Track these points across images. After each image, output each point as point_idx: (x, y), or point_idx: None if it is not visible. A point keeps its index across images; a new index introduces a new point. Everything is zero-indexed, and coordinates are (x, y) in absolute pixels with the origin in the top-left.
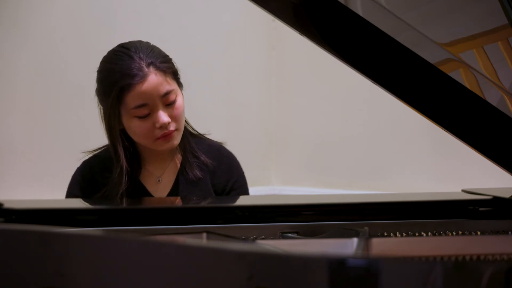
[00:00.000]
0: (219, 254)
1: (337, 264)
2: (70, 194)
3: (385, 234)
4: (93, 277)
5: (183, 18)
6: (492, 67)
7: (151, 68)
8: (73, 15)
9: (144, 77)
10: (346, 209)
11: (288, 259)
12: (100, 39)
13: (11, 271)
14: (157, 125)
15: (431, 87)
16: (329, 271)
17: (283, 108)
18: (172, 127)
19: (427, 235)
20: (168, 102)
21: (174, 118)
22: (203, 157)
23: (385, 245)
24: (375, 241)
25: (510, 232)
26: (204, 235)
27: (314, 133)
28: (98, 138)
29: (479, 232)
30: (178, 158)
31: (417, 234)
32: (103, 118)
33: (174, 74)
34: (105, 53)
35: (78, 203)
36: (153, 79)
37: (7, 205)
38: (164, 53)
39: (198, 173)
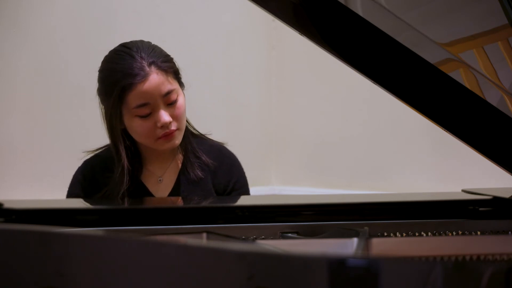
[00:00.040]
0: (219, 254)
1: (337, 264)
2: (71, 193)
3: (385, 234)
4: (93, 277)
5: (183, 18)
6: (492, 67)
7: (153, 68)
8: (73, 15)
9: (145, 76)
10: (346, 209)
11: (288, 259)
12: (100, 39)
13: (11, 271)
14: (159, 125)
15: (431, 87)
16: (329, 271)
17: (283, 108)
18: (173, 126)
19: (427, 235)
20: (169, 102)
21: (175, 117)
22: (204, 157)
23: (385, 245)
24: (375, 241)
25: (510, 232)
26: (204, 235)
27: (314, 133)
28: (98, 138)
29: (479, 232)
30: (180, 158)
31: (417, 234)
32: (104, 117)
33: (175, 73)
34: (105, 53)
35: (78, 203)
36: (155, 79)
37: (7, 205)
38: (165, 52)
39: (199, 173)
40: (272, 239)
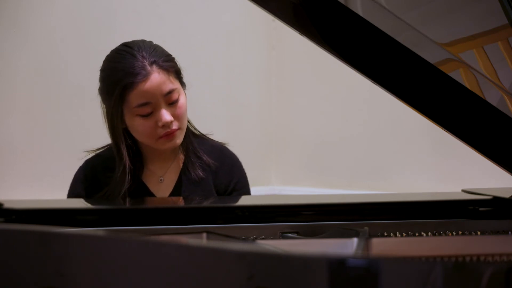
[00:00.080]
0: (219, 254)
1: (337, 264)
2: (72, 193)
3: (385, 234)
4: (93, 277)
5: (183, 18)
6: (492, 67)
7: (154, 67)
8: (73, 15)
9: (147, 75)
10: (346, 209)
11: (288, 259)
12: (100, 39)
13: (11, 271)
14: (160, 124)
15: (431, 87)
16: (329, 271)
17: (283, 108)
18: (174, 126)
19: (427, 235)
20: (170, 101)
21: (176, 117)
22: (205, 157)
23: (385, 245)
24: (375, 241)
25: (510, 232)
26: (204, 235)
27: (314, 133)
28: (98, 138)
29: (479, 232)
30: (181, 158)
31: (417, 234)
32: (105, 117)
33: (177, 73)
34: (105, 53)
35: (78, 203)
36: (156, 78)
37: (7, 205)
38: (167, 52)
39: (200, 173)
40: (272, 239)
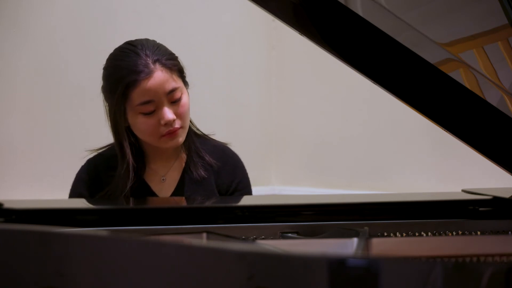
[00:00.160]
0: (219, 254)
1: (337, 264)
2: (74, 192)
3: (385, 234)
4: (93, 277)
5: (183, 18)
6: (492, 67)
7: (157, 65)
8: (73, 15)
9: (150, 73)
10: (346, 209)
11: (288, 259)
12: (100, 39)
13: (11, 271)
14: (162, 122)
15: (431, 87)
16: (329, 271)
17: (283, 108)
18: (177, 124)
19: (427, 235)
20: (173, 100)
21: (179, 115)
22: (207, 157)
23: (385, 245)
24: (375, 241)
25: (510, 232)
26: (204, 235)
27: (314, 133)
28: (99, 138)
29: (479, 232)
30: (183, 158)
31: (417, 234)
32: (108, 115)
33: (180, 71)
34: (105, 53)
35: (78, 203)
36: (159, 76)
37: (7, 205)
38: (170, 51)
39: (202, 172)
40: (272, 239)
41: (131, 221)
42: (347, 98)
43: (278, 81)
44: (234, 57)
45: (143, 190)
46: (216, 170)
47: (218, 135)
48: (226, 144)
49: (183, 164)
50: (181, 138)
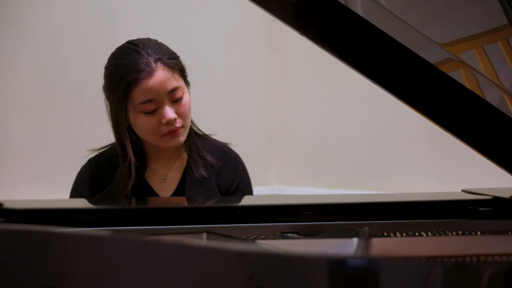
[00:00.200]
0: (219, 254)
1: (337, 264)
2: (75, 192)
3: (385, 234)
4: (93, 277)
5: (183, 18)
6: (492, 67)
7: (159, 64)
8: (73, 15)
9: (151, 72)
10: (346, 209)
11: (288, 259)
12: (100, 39)
13: (11, 271)
14: (164, 121)
15: (431, 87)
16: (329, 271)
17: (283, 108)
18: (178, 123)
19: (427, 235)
20: (174, 99)
21: (180, 114)
22: (208, 157)
23: (385, 245)
24: (375, 241)
25: (510, 232)
26: (204, 235)
27: (314, 133)
28: (99, 138)
29: (479, 232)
30: (184, 157)
31: (417, 234)
32: (109, 114)
33: (181, 71)
34: (105, 53)
35: (78, 203)
36: (161, 75)
37: (7, 205)
38: (172, 50)
39: (203, 172)
40: (272, 239)
41: (131, 221)
42: (347, 98)
43: (278, 81)
44: (234, 57)
45: (144, 190)
46: (217, 170)
47: (218, 135)
48: (227, 144)
49: (184, 164)
50: (182, 138)
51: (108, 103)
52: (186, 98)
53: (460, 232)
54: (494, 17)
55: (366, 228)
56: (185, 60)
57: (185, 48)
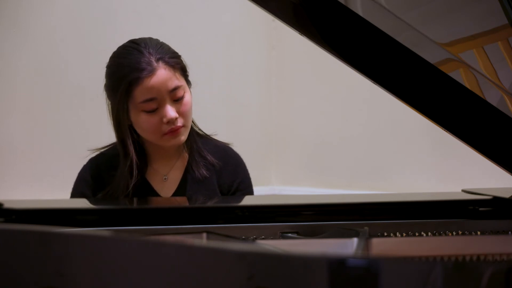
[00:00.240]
0: (219, 254)
1: (337, 264)
2: (76, 191)
3: (385, 234)
4: (93, 277)
5: (183, 18)
6: (492, 67)
7: (160, 63)
8: (73, 15)
9: (153, 71)
10: (346, 209)
11: (288, 259)
12: (100, 39)
13: (11, 271)
14: (165, 120)
15: (431, 87)
16: (329, 271)
17: (283, 108)
18: (179, 123)
19: (427, 235)
20: (176, 98)
21: (181, 114)
22: (209, 157)
23: (385, 245)
24: (375, 241)
25: (510, 232)
26: (204, 235)
27: (314, 133)
28: (98, 138)
29: (479, 232)
30: (185, 157)
31: (417, 234)
32: (111, 113)
33: (182, 70)
34: (105, 53)
35: (78, 203)
36: (162, 73)
37: (7, 205)
38: (173, 49)
39: (204, 172)
40: (272, 239)
41: (131, 221)
42: (347, 98)
43: (278, 81)
44: (234, 57)
45: (145, 189)
46: (218, 170)
47: (218, 135)
48: (228, 144)
49: (185, 164)
50: (183, 137)
51: (110, 102)
52: (187, 98)
53: (460, 232)
54: (494, 17)
55: (366, 228)
56: (185, 60)
57: (185, 48)
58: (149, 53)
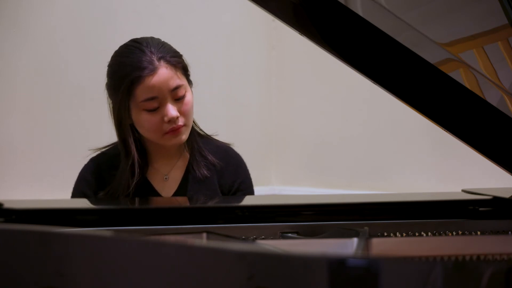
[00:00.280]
0: (219, 254)
1: (337, 264)
2: (77, 191)
3: (385, 234)
4: (93, 277)
5: (183, 18)
6: (492, 67)
7: (162, 62)
8: (73, 15)
9: (154, 70)
10: (346, 209)
11: (288, 259)
12: (100, 39)
13: (11, 271)
14: (166, 119)
15: (431, 87)
16: (329, 271)
17: (283, 108)
18: (180, 122)
19: (427, 235)
20: (177, 97)
21: (182, 113)
22: (210, 157)
23: (385, 245)
24: (375, 241)
25: (510, 232)
26: (204, 235)
27: (314, 133)
28: (98, 138)
29: (479, 232)
30: (186, 157)
31: (417, 234)
32: (112, 112)
33: (184, 69)
34: (105, 53)
35: (78, 203)
36: (164, 72)
37: (7, 205)
38: (175, 49)
39: (205, 172)
40: (272, 239)
41: (131, 221)
42: (347, 98)
43: (278, 81)
44: (234, 57)
45: (146, 189)
46: (219, 170)
47: (218, 135)
48: (229, 144)
49: (186, 163)
50: (184, 136)
51: (111, 101)
52: (188, 97)
53: (460, 232)
54: (494, 17)
55: (366, 228)
56: (185, 60)
57: (185, 48)
58: (151, 52)
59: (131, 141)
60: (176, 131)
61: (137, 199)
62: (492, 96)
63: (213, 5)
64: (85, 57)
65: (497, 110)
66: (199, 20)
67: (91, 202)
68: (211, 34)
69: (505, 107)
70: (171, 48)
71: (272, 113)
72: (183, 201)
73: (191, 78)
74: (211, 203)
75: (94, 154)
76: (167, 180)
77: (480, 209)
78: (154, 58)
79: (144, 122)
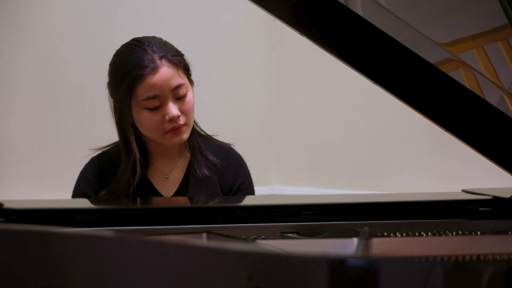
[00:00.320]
0: (219, 254)
1: (337, 264)
2: (78, 190)
3: (385, 234)
4: (93, 277)
5: (183, 18)
6: (492, 67)
7: (163, 61)
8: (73, 15)
9: (155, 68)
10: (346, 209)
11: (288, 259)
12: (100, 39)
13: (11, 271)
14: (167, 118)
15: (431, 87)
16: (329, 271)
17: (283, 108)
18: (181, 121)
19: (427, 235)
20: (178, 96)
21: (184, 112)
22: (211, 157)
23: (385, 245)
24: (375, 241)
25: (510, 232)
26: (204, 235)
27: (314, 133)
28: (99, 138)
29: (479, 232)
30: (187, 156)
31: (417, 234)
32: (113, 111)
33: (185, 69)
34: (105, 53)
35: (78, 203)
36: (165, 71)
37: (7, 205)
38: (176, 48)
39: (206, 171)
40: (272, 239)
41: (131, 221)
42: (347, 98)
43: (278, 81)
44: (234, 57)
45: (146, 188)
46: (220, 170)
47: (218, 135)
48: (230, 144)
49: (187, 163)
50: (185, 135)
51: (112, 100)
52: (190, 96)
53: (460, 232)
54: (494, 17)
55: (366, 228)
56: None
57: (185, 48)
58: (153, 51)
59: (132, 140)
60: (177, 130)
61: (137, 199)
62: (492, 96)
63: (213, 5)
64: (85, 57)
65: (497, 110)
66: (199, 20)
67: (91, 202)
68: (211, 34)
69: (505, 107)
70: (173, 47)
71: (272, 113)
72: (183, 201)
73: (191, 78)
74: (211, 203)
75: (95, 154)
76: (167, 179)
77: (480, 209)
78: (156, 57)
79: (145, 120)
